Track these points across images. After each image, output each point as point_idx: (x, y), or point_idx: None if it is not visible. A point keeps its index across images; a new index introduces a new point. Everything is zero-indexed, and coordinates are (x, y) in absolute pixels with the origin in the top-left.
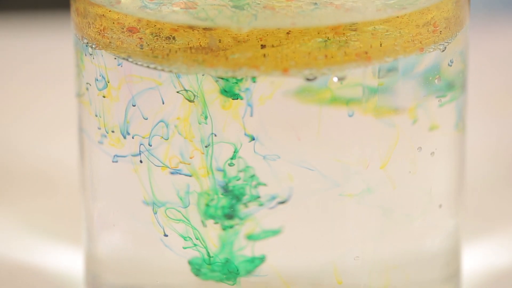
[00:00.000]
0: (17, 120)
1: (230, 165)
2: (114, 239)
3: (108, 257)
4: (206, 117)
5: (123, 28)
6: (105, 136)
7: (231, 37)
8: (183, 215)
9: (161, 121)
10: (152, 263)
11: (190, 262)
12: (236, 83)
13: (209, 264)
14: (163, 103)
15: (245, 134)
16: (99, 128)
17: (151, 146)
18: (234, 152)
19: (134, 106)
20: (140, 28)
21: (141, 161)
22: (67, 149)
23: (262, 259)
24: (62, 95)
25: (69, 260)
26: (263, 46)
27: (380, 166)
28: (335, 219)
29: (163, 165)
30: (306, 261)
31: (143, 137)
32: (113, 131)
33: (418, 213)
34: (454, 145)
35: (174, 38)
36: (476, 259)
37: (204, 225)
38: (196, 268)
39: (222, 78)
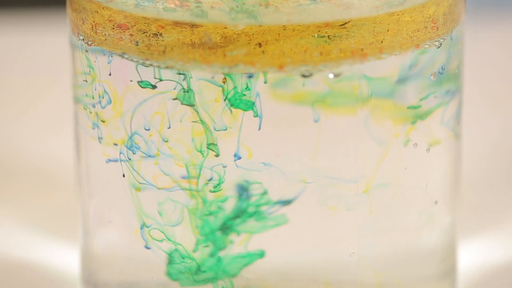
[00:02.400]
0: (15, 117)
1: (213, 191)
2: (110, 236)
3: (104, 254)
4: (212, 145)
5: (114, 25)
6: (102, 138)
7: (227, 34)
8: (166, 235)
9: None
10: (148, 259)
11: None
12: (244, 91)
13: (197, 275)
14: (169, 127)
15: (235, 154)
16: (100, 138)
17: (130, 159)
18: (219, 182)
19: (147, 130)
20: (129, 25)
21: (123, 175)
22: (65, 146)
23: (260, 254)
24: (60, 93)
25: (66, 257)
26: (260, 44)
27: (375, 168)
28: (331, 216)
29: (147, 183)
30: (301, 257)
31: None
32: (115, 144)
33: (414, 209)
34: (450, 141)
35: (161, 35)
36: (472, 255)
37: (196, 249)
38: (177, 274)
39: (231, 88)
